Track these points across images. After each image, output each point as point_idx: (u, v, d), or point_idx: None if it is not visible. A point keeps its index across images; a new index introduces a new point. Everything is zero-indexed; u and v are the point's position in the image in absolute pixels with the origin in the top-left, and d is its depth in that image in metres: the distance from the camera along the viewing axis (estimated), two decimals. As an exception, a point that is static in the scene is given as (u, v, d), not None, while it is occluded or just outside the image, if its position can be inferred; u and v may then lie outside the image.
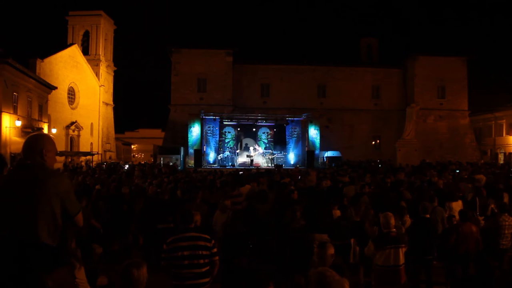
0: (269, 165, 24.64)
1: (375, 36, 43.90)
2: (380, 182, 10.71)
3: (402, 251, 4.97)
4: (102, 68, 43.44)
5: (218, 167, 23.44)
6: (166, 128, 36.19)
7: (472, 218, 6.41)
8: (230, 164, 24.96)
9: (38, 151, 2.62)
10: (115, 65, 47.07)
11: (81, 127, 38.48)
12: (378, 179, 11.36)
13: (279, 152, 26.85)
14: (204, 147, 25.69)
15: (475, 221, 6.49)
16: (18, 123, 24.23)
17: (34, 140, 2.69)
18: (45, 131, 28.23)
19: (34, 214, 2.43)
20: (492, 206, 7.76)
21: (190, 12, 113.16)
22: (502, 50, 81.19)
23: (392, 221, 5.06)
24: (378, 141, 37.96)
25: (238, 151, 26.57)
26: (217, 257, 4.24)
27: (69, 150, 35.45)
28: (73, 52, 37.76)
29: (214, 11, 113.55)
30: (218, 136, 26.57)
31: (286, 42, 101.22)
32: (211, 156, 26.11)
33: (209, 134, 26.28)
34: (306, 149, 26.14)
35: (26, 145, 2.66)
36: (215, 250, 4.23)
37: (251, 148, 25.72)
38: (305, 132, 26.67)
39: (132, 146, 60.58)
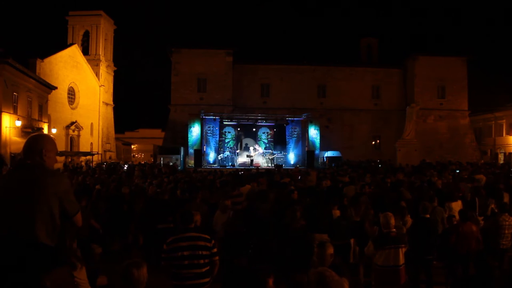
0: (269, 165, 24.63)
1: (375, 36, 43.94)
2: (380, 182, 10.71)
3: (402, 251, 4.97)
4: (102, 68, 43.44)
5: (218, 167, 23.44)
6: (166, 128, 36.18)
7: (472, 218, 6.41)
8: (230, 164, 24.95)
9: (38, 151, 2.62)
10: (115, 65, 47.08)
11: (81, 127, 38.49)
12: (378, 179, 11.35)
13: (279, 152, 26.85)
14: (204, 147, 25.69)
15: (475, 221, 6.49)
16: (18, 123, 24.23)
17: (34, 140, 2.70)
18: (45, 131, 28.23)
19: (32, 214, 2.43)
20: (492, 206, 7.76)
21: (190, 12, 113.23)
22: (502, 50, 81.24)
23: (392, 221, 5.06)
24: (378, 141, 37.95)
25: (238, 151, 26.57)
26: (217, 257, 4.24)
27: (69, 150, 35.45)
28: (73, 52, 37.76)
29: (214, 11, 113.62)
30: (218, 136, 26.57)
31: (286, 42, 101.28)
32: (211, 156, 26.11)
33: (209, 134, 26.28)
34: (306, 149, 26.14)
35: (27, 145, 2.67)
36: (215, 250, 4.23)
37: (251, 148, 25.72)
38: (305, 132, 26.67)
39: (132, 146, 60.58)
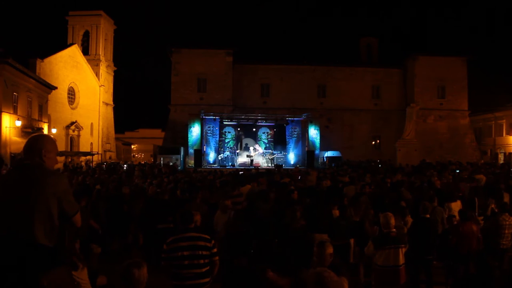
0: (269, 165, 24.63)
1: (375, 36, 43.93)
2: (380, 182, 10.72)
3: (402, 251, 4.97)
4: (102, 68, 43.43)
5: (218, 167, 23.44)
6: (166, 128, 36.18)
7: (472, 218, 6.41)
8: (230, 164, 24.95)
9: (38, 151, 2.62)
10: (115, 65, 47.07)
11: (81, 127, 38.48)
12: (378, 179, 11.36)
13: (279, 152, 26.85)
14: (204, 147, 25.69)
15: (474, 221, 6.49)
16: (18, 123, 24.22)
17: (34, 140, 2.71)
18: (45, 131, 28.23)
19: (30, 214, 2.43)
20: (493, 206, 7.76)
21: (190, 12, 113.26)
22: (502, 50, 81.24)
23: (392, 221, 5.06)
24: (378, 141, 37.94)
25: (238, 151, 26.57)
26: (217, 257, 4.24)
27: (69, 150, 35.45)
28: (73, 52, 37.75)
29: (214, 11, 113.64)
30: (218, 136, 26.56)
31: (286, 42, 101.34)
32: (211, 156, 26.11)
33: (209, 134, 26.27)
34: (306, 149, 26.14)
35: (27, 145, 2.68)
36: (215, 250, 4.23)
37: (251, 148, 25.72)
38: (305, 132, 26.67)
39: (132, 146, 60.57)
